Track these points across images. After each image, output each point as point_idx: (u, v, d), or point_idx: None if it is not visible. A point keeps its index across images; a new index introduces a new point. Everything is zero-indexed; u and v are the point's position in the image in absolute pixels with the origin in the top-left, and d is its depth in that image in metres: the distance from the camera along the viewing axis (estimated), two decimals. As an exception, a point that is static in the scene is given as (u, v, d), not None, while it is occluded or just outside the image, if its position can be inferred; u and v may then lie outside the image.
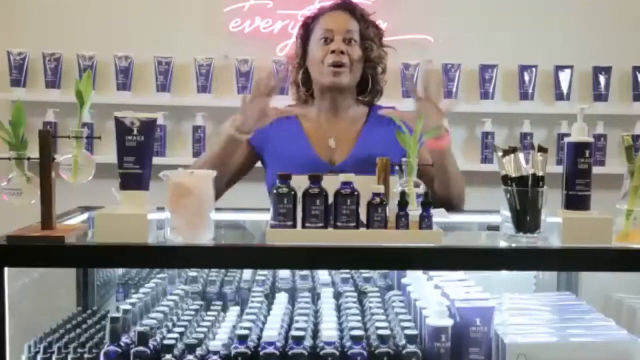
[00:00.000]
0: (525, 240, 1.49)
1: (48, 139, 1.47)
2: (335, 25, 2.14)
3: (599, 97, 3.68)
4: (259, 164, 2.27)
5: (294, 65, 2.26)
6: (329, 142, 2.18)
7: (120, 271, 1.96)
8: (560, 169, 1.55)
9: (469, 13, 3.67)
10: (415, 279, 1.74)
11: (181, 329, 1.56)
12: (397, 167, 1.62)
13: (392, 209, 1.47)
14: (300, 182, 1.46)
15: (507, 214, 1.51)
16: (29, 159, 1.52)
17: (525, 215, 1.49)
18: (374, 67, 2.20)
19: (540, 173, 1.49)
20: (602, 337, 1.55)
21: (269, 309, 1.68)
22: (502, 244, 1.53)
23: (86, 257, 1.46)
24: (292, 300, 1.79)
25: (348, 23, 2.15)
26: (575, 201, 1.52)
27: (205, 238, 1.46)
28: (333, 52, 2.10)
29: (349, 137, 2.19)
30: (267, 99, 1.99)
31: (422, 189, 1.57)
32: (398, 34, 3.38)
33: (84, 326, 1.67)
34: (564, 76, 3.67)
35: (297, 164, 2.05)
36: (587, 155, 1.52)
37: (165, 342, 1.48)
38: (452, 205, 2.04)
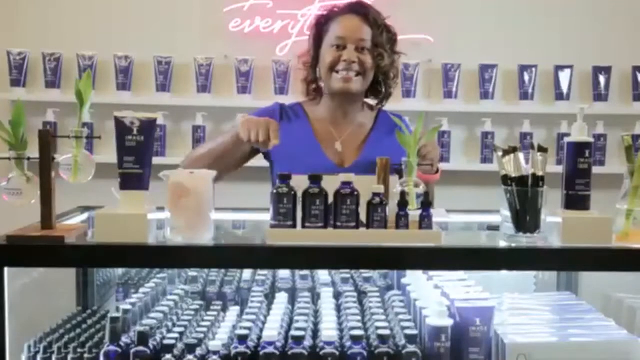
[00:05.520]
0: (525, 240, 1.49)
1: (48, 139, 1.47)
2: (348, 32, 2.11)
3: (599, 97, 3.68)
4: (262, 162, 2.25)
5: (306, 63, 2.23)
6: (336, 145, 2.17)
7: (120, 271, 1.95)
8: (560, 169, 1.55)
9: (469, 13, 3.68)
10: (415, 279, 1.74)
11: (181, 329, 1.56)
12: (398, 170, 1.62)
13: (392, 209, 1.47)
14: (300, 182, 1.46)
15: (507, 214, 1.51)
16: (29, 159, 1.52)
17: (525, 215, 1.49)
18: (385, 73, 2.18)
19: (540, 173, 1.49)
20: (602, 337, 1.55)
21: (269, 309, 1.68)
22: (502, 244, 1.53)
23: (86, 257, 1.46)
24: (292, 300, 1.79)
25: (361, 30, 2.11)
26: (575, 201, 1.52)
27: (205, 238, 1.46)
28: (345, 61, 2.08)
29: (356, 142, 2.18)
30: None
31: (422, 189, 1.57)
32: (398, 34, 3.37)
33: (84, 326, 1.67)
34: (564, 76, 3.66)
35: (306, 165, 2.04)
36: (587, 155, 1.52)
37: (165, 342, 1.48)
38: None
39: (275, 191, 1.45)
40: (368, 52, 2.11)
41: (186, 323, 1.60)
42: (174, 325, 1.61)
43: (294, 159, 2.11)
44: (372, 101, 2.28)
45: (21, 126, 1.52)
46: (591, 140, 1.54)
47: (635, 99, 3.70)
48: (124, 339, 1.49)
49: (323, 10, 2.25)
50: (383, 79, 2.19)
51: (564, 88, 3.66)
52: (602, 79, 3.67)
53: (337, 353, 1.44)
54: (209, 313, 1.68)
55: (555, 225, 1.50)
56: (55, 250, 1.41)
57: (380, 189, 1.47)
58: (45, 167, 1.46)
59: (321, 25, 2.19)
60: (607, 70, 3.67)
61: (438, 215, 1.57)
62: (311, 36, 2.22)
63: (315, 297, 1.81)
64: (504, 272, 1.79)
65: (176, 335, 1.51)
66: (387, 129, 2.17)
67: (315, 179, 1.46)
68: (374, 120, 2.24)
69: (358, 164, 2.12)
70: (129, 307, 1.57)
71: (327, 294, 1.78)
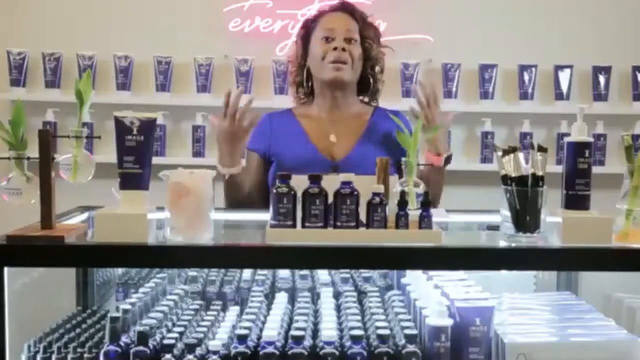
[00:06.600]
0: (525, 240, 1.49)
1: (48, 139, 1.47)
2: (336, 24, 2.19)
3: (599, 97, 3.68)
4: None
5: (294, 66, 2.29)
6: (330, 137, 2.20)
7: (120, 271, 1.95)
8: (560, 169, 1.55)
9: (469, 13, 3.67)
10: (415, 279, 1.74)
11: (181, 329, 1.56)
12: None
13: (392, 209, 1.47)
14: (300, 182, 1.46)
15: (507, 214, 1.51)
16: (29, 159, 1.52)
17: (525, 215, 1.49)
18: (373, 66, 2.25)
19: (540, 173, 1.49)
20: (602, 337, 1.55)
21: (269, 309, 1.68)
22: (502, 244, 1.52)
23: (86, 257, 1.46)
24: (292, 300, 1.79)
25: (348, 23, 2.20)
26: (575, 201, 1.52)
27: (205, 238, 1.46)
28: (335, 49, 2.14)
29: (353, 131, 2.22)
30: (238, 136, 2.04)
31: (422, 189, 1.57)
32: (398, 34, 3.39)
33: (84, 326, 1.67)
34: (564, 76, 3.66)
35: (297, 160, 2.07)
36: (587, 155, 1.52)
37: (165, 342, 1.48)
38: None
39: (275, 191, 1.45)
40: (356, 42, 2.19)
41: (186, 323, 1.60)
42: (174, 325, 1.60)
43: (284, 155, 2.18)
44: (363, 100, 2.31)
45: (21, 126, 1.52)
46: (591, 140, 1.54)
47: (635, 99, 3.69)
48: (124, 339, 1.49)
49: (310, 14, 2.33)
50: (371, 72, 2.25)
51: (564, 88, 3.66)
52: (602, 79, 3.67)
53: (337, 353, 1.44)
54: (209, 313, 1.68)
55: (555, 225, 1.50)
56: (55, 250, 1.41)
57: (380, 189, 1.47)
58: (45, 167, 1.46)
59: (309, 26, 2.27)
60: (607, 70, 3.66)
61: (438, 215, 1.57)
62: (299, 38, 2.29)
63: (315, 297, 1.81)
64: (504, 272, 1.79)
65: (176, 335, 1.51)
66: (385, 119, 2.20)
67: (315, 179, 1.46)
68: (372, 113, 2.29)
69: (355, 152, 2.16)
70: (129, 307, 1.57)
71: (327, 294, 1.77)
